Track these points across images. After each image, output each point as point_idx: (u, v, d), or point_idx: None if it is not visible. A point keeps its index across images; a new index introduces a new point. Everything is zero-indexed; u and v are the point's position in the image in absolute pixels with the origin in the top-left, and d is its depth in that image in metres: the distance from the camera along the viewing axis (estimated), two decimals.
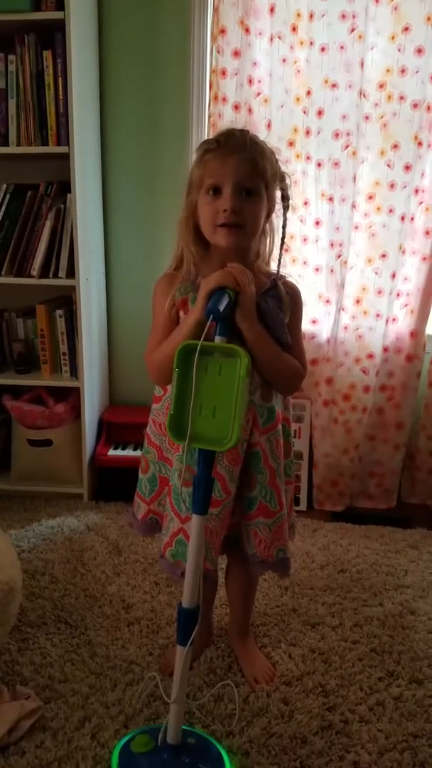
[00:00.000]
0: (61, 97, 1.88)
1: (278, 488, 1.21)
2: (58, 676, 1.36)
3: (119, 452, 2.16)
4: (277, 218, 1.16)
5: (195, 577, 1.04)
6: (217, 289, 1.03)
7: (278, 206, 1.15)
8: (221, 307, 1.01)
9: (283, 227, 1.17)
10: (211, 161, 1.08)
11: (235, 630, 1.45)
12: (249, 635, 1.46)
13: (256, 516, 1.21)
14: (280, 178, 1.13)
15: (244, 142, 1.08)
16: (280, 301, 1.15)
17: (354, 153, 1.96)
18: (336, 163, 1.98)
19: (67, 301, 2.13)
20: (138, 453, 1.94)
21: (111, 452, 2.15)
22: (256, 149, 1.09)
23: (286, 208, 1.15)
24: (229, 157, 1.07)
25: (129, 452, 2.15)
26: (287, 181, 1.14)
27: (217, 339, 1.02)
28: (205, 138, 2.04)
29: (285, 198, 1.14)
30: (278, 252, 1.18)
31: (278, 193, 1.14)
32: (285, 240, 1.18)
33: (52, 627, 1.52)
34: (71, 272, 1.99)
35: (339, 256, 2.05)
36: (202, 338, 0.98)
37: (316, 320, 2.14)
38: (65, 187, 1.96)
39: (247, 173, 1.07)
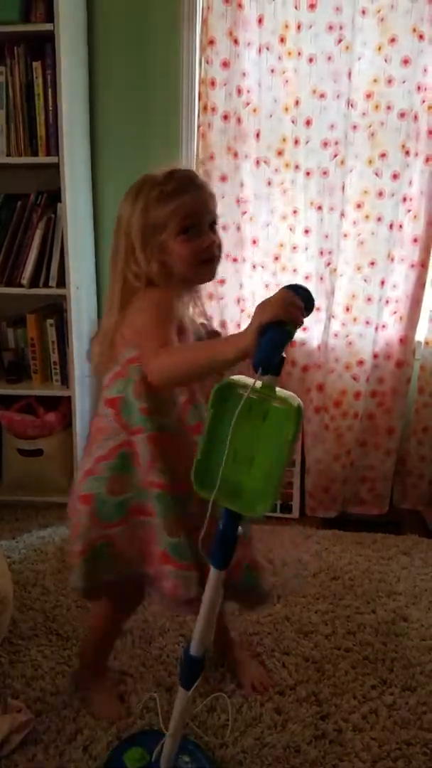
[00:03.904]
0: (50, 108, 1.89)
1: None
2: (49, 689, 1.35)
3: None
4: None
5: (207, 626, 0.99)
6: (275, 323, 0.84)
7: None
8: (275, 357, 0.83)
9: None
10: (181, 203, 1.08)
11: (221, 642, 1.42)
12: (236, 643, 1.45)
13: None
14: None
15: (200, 180, 1.14)
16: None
17: (342, 162, 1.97)
18: (324, 172, 1.99)
19: (57, 310, 2.13)
20: None
21: None
22: (209, 185, 1.15)
23: None
24: (198, 195, 1.10)
25: None
26: None
27: (268, 379, 0.86)
28: (195, 145, 2.06)
29: None
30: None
31: None
32: None
33: (43, 639, 1.51)
34: (62, 281, 2.00)
35: (328, 264, 2.06)
36: (254, 382, 0.84)
37: (306, 327, 2.15)
38: (55, 196, 1.96)
39: (213, 208, 1.12)
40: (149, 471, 1.08)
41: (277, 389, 0.85)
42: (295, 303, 0.86)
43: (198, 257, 1.09)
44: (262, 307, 0.87)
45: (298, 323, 0.87)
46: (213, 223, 1.12)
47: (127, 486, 1.11)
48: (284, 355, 0.85)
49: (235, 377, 0.86)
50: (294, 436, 0.82)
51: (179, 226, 1.07)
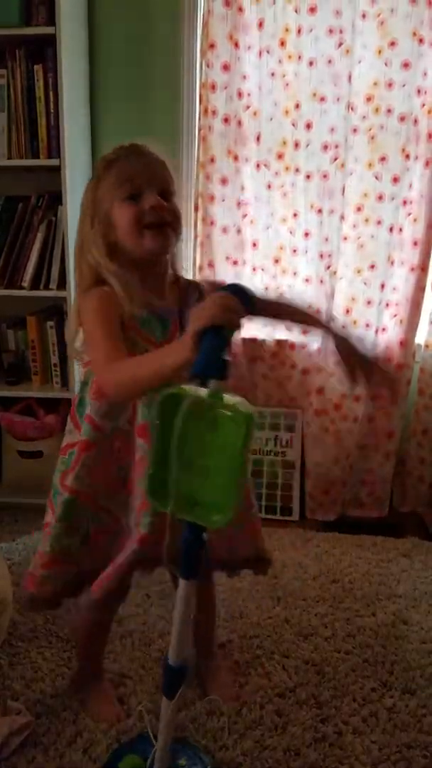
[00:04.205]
0: (51, 110, 1.89)
1: None
2: (49, 691, 1.35)
3: None
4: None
5: (182, 635, 0.98)
6: (210, 328, 0.81)
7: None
8: (216, 363, 0.80)
9: None
10: (122, 168, 1.05)
11: (204, 652, 1.40)
12: (215, 655, 1.42)
13: None
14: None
15: (147, 147, 1.08)
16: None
17: (342, 165, 1.98)
18: (324, 176, 2.00)
19: (58, 312, 2.13)
20: None
21: None
22: (160, 153, 1.09)
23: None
24: (140, 160, 1.06)
25: None
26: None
27: (211, 385, 0.82)
28: (196, 148, 2.06)
29: None
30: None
31: None
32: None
33: (43, 641, 1.51)
34: (62, 283, 2.00)
35: (328, 267, 2.06)
36: (178, 384, 0.82)
37: (307, 330, 2.15)
38: (56, 199, 1.97)
39: (162, 174, 1.06)
40: (69, 474, 1.13)
41: (228, 396, 0.82)
42: (229, 306, 0.83)
43: (139, 222, 1.03)
44: (196, 313, 0.84)
45: (234, 325, 0.83)
46: (165, 192, 1.06)
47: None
48: (228, 358, 0.82)
49: (183, 386, 0.82)
50: (244, 444, 0.78)
51: (121, 193, 1.04)
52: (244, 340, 2.16)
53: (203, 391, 0.81)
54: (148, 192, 1.04)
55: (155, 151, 1.09)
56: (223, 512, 0.81)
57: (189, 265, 2.16)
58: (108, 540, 1.16)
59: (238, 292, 0.86)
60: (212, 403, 0.80)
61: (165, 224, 1.05)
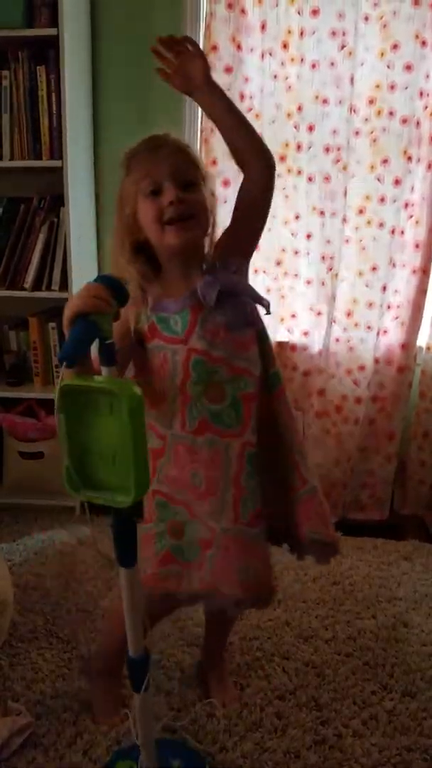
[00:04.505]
0: (54, 112, 1.89)
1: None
2: (49, 692, 1.35)
3: None
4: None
5: (134, 625, 0.98)
6: (77, 317, 0.87)
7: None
8: (80, 349, 0.85)
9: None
10: (141, 162, 1.03)
11: (212, 660, 1.40)
12: (224, 662, 1.42)
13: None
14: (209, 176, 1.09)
15: (166, 138, 1.06)
16: (225, 263, 1.08)
17: (344, 168, 1.98)
18: (326, 178, 2.00)
19: (59, 314, 2.11)
20: None
21: None
22: (181, 142, 1.07)
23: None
24: (158, 153, 1.03)
25: None
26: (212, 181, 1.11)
27: (105, 371, 0.87)
28: (198, 151, 2.06)
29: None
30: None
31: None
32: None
33: (43, 642, 1.51)
34: (64, 285, 2.00)
35: (330, 269, 2.07)
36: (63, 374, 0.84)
37: (308, 332, 2.15)
38: (58, 200, 1.97)
39: (182, 165, 1.04)
40: (152, 479, 1.08)
41: (117, 380, 0.86)
42: (95, 294, 0.86)
43: (160, 217, 1.01)
44: (68, 302, 0.89)
45: (102, 312, 0.86)
46: (187, 184, 1.03)
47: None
48: (109, 343, 0.86)
49: (70, 382, 0.84)
50: (129, 420, 0.79)
51: (143, 187, 1.02)
52: None
53: (98, 379, 0.85)
54: (167, 186, 1.02)
55: (176, 140, 1.07)
56: (125, 492, 0.83)
57: None
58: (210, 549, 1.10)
59: (106, 281, 0.89)
60: (93, 387, 0.83)
61: (187, 218, 1.02)
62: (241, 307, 1.06)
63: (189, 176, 1.04)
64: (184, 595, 1.09)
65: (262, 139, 1.13)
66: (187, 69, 1.08)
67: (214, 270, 1.07)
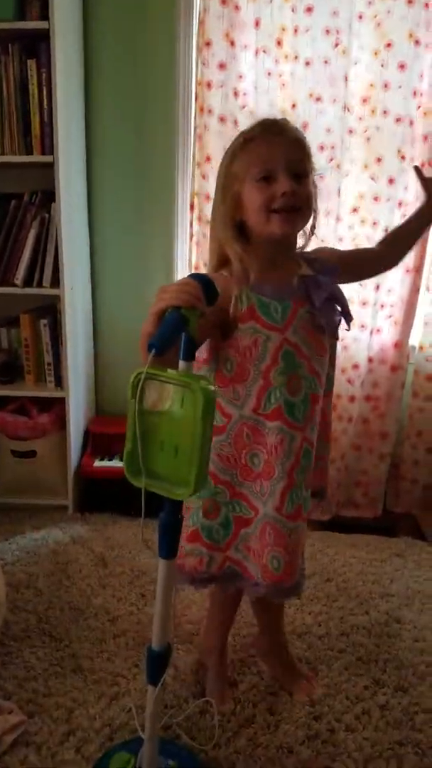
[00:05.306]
0: (45, 106, 1.88)
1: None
2: (42, 690, 1.35)
3: (105, 463, 2.14)
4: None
5: (164, 619, 1.00)
6: (169, 309, 0.88)
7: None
8: (169, 340, 0.86)
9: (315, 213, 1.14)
10: (257, 148, 1.03)
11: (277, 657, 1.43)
12: (293, 657, 1.45)
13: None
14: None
15: (285, 125, 1.06)
16: (329, 271, 1.12)
17: (338, 166, 1.98)
18: (320, 176, 2.00)
19: (51, 310, 2.12)
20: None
21: (97, 463, 2.14)
22: (299, 131, 1.07)
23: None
24: (276, 141, 1.03)
25: (115, 463, 2.13)
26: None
27: (182, 365, 0.89)
28: (191, 147, 2.06)
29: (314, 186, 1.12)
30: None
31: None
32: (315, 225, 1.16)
33: (36, 640, 1.50)
34: (56, 281, 1.99)
35: None
36: (146, 365, 0.86)
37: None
38: (50, 195, 1.96)
39: (296, 155, 1.05)
40: None
41: (195, 375, 0.89)
42: (188, 290, 0.88)
43: (268, 205, 1.03)
44: (159, 293, 0.90)
45: (194, 308, 0.88)
46: (299, 175, 1.04)
47: None
48: (192, 339, 0.88)
49: (146, 369, 0.87)
50: (202, 415, 0.82)
51: (254, 173, 1.03)
52: None
53: (175, 372, 0.87)
54: (281, 176, 1.02)
55: (294, 128, 1.07)
56: (186, 486, 0.86)
57: (185, 264, 2.16)
58: (247, 530, 1.16)
59: (201, 280, 0.91)
60: (172, 379, 0.85)
61: (294, 210, 1.04)
62: (335, 316, 1.12)
63: (302, 168, 1.05)
64: (205, 575, 1.16)
65: None
66: None
67: (322, 272, 1.11)
